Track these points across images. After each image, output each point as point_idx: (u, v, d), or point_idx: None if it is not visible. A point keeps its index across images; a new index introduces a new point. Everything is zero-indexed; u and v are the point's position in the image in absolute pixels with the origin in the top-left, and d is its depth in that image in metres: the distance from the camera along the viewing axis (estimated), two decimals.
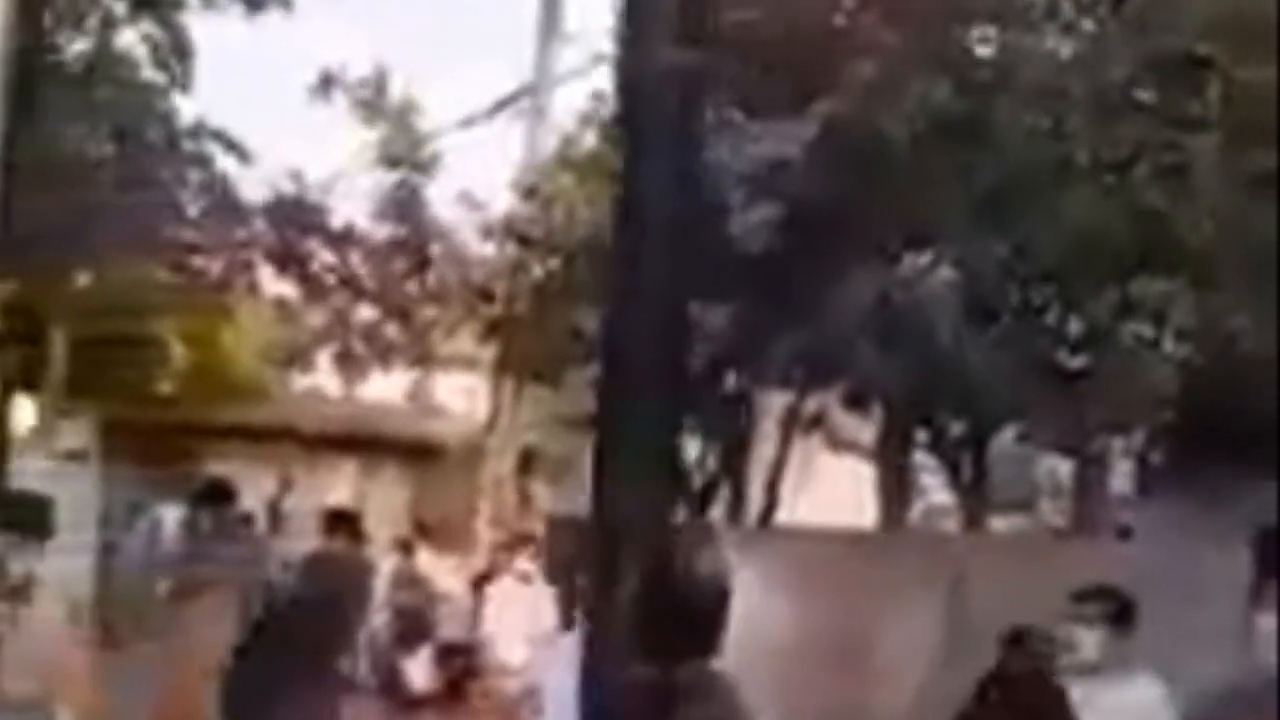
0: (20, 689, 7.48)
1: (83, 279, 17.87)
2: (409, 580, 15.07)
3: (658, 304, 3.11)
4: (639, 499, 3.04)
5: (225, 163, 17.22)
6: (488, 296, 16.19)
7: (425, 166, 20.38)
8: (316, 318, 20.24)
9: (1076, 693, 6.14)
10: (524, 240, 14.69)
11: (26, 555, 8.25)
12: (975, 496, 13.30)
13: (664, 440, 3.09)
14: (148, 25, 15.83)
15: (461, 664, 14.24)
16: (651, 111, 3.21)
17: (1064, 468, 16.17)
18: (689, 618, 3.20)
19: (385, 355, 20.20)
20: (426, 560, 16.00)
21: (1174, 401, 9.45)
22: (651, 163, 3.19)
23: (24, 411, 19.55)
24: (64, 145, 15.44)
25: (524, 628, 12.34)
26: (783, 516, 15.77)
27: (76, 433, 19.86)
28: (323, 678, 7.47)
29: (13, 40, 7.51)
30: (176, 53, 15.78)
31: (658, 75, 3.17)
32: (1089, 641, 6.01)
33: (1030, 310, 10.73)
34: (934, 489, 16.33)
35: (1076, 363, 10.64)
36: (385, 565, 14.79)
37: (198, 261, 18.36)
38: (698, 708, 3.15)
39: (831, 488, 18.08)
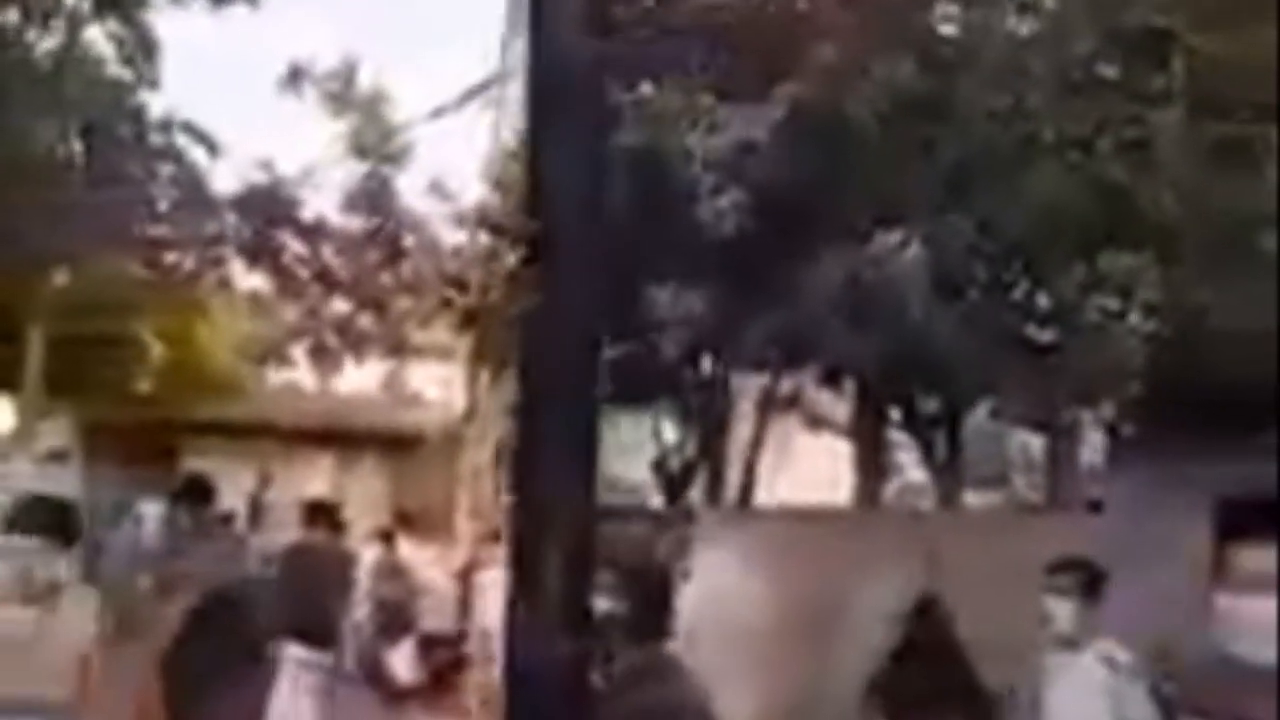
0: (46, 694, 7.51)
1: (58, 277, 17.80)
2: (391, 571, 15.09)
3: (570, 291, 3.13)
4: (559, 484, 3.08)
5: (196, 156, 17.17)
6: (461, 286, 16.15)
7: (396, 157, 20.30)
8: (291, 312, 20.20)
9: (1046, 662, 6.24)
10: (496, 229, 14.66)
11: (52, 560, 8.26)
12: (949, 473, 13.39)
13: (582, 426, 3.13)
14: (113, 24, 15.76)
15: (446, 655, 14.27)
16: (556, 97, 3.22)
17: (1036, 443, 16.27)
18: (634, 601, 3.24)
19: (359, 347, 20.15)
20: (408, 551, 16.03)
21: (1142, 374, 9.50)
22: (557, 150, 3.21)
23: (3, 413, 19.54)
24: (35, 143, 15.38)
25: None
26: (762, 496, 15.85)
27: (58, 432, 19.84)
28: (264, 660, 7.53)
29: None
30: (143, 49, 15.72)
31: (561, 60, 3.19)
32: (1062, 613, 6.10)
33: (999, 286, 10.79)
34: (910, 467, 16.43)
35: (1045, 337, 10.71)
36: (367, 556, 14.81)
37: (171, 257, 18.30)
38: (651, 690, 3.20)
39: (810, 466, 18.17)
